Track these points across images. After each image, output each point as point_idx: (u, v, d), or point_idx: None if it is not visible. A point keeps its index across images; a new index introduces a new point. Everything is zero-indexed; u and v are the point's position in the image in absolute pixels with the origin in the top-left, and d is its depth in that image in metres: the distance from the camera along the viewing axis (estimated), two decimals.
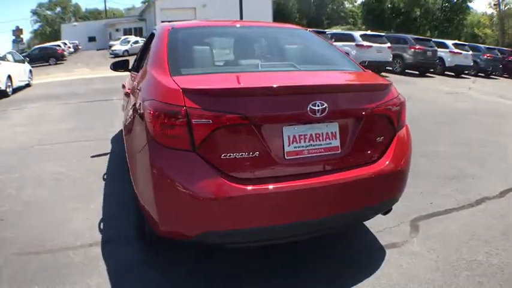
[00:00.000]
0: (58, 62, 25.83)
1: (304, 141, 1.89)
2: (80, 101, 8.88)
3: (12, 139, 5.44)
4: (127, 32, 41.58)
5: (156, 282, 2.20)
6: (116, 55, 27.66)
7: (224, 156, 1.77)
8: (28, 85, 12.77)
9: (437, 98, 9.58)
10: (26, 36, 57.97)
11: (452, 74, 16.95)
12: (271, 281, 2.16)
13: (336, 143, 1.96)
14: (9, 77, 10.68)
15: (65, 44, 34.02)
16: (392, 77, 13.74)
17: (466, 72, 17.40)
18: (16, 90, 11.39)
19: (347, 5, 53.50)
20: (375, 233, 2.65)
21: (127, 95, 3.14)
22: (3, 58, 11.55)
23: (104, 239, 2.65)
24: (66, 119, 6.92)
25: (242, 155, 1.78)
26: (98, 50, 33.16)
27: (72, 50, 34.73)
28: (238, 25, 3.07)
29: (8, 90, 10.50)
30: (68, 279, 2.19)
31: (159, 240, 2.11)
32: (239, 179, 1.78)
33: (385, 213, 2.34)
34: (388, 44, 14.28)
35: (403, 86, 11.40)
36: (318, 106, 1.85)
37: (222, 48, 2.59)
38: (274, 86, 1.86)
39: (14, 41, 42.53)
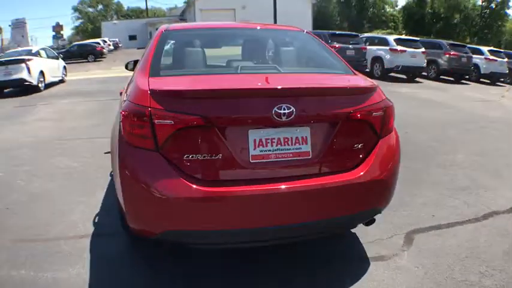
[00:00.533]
0: (97, 59, 25.80)
1: (272, 145, 1.83)
2: (111, 99, 8.99)
3: (35, 133, 5.75)
4: None
5: (135, 276, 2.24)
6: None
7: (187, 157, 1.77)
8: (62, 81, 13.24)
9: (468, 105, 9.05)
10: (67, 32, 60.07)
11: (488, 81, 16.05)
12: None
13: (307, 148, 1.88)
14: (41, 72, 11.12)
15: (105, 41, 34.50)
16: (425, 83, 13.27)
17: (502, 80, 16.45)
18: (49, 85, 11.82)
19: (388, 9, 52.23)
20: (364, 244, 2.53)
21: (121, 95, 3.24)
22: (36, 54, 12.03)
23: (96, 232, 2.74)
24: (93, 115, 7.18)
25: (205, 156, 1.77)
26: (138, 48, 34.19)
27: (112, 47, 35.30)
28: (235, 27, 3.06)
29: (40, 85, 10.98)
30: (52, 267, 2.29)
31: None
32: (201, 180, 1.77)
33: (367, 224, 2.23)
34: (422, 49, 13.73)
35: (436, 92, 10.95)
36: (284, 110, 1.78)
37: (210, 50, 2.58)
38: (237, 88, 1.84)
39: (54, 37, 44.14)
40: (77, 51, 26.47)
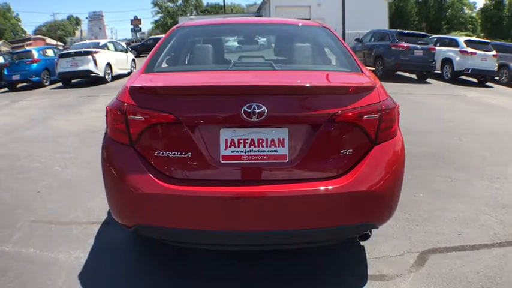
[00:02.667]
0: None
1: (244, 146, 1.73)
2: None
3: (88, 123, 6.23)
4: None
5: (130, 265, 2.33)
6: None
7: (158, 154, 1.76)
8: (130, 74, 13.91)
9: None
10: (147, 26, 62.60)
11: None
12: None
13: (283, 151, 1.74)
14: (108, 64, 11.95)
15: None
16: (496, 89, 11.97)
17: None
18: (116, 78, 12.62)
19: (466, 10, 48.29)
20: (370, 259, 2.31)
21: None
22: (104, 47, 12.91)
23: (106, 220, 2.86)
24: None
25: (175, 154, 1.74)
26: None
27: None
28: (248, 23, 2.99)
29: (106, 77, 11.84)
30: (57, 248, 2.46)
31: None
32: (170, 178, 1.75)
33: (361, 239, 2.00)
34: (493, 52, 12.42)
35: (503, 99, 9.74)
36: (254, 109, 1.67)
37: (215, 46, 2.55)
38: (205, 85, 1.77)
39: (132, 30, 46.55)
40: (152, 45, 28.01)
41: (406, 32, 13.48)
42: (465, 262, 2.27)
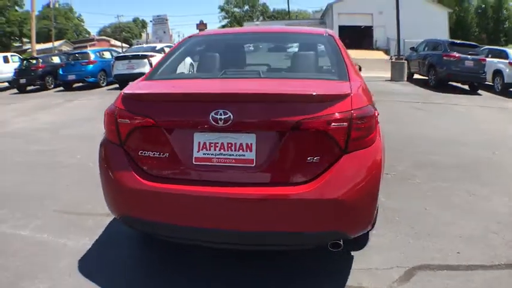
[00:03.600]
0: None
1: (215, 149, 1.85)
2: None
3: None
4: None
5: (130, 253, 2.55)
6: None
7: (140, 153, 1.97)
8: None
9: None
10: None
11: None
12: None
13: (251, 155, 1.82)
14: None
15: None
16: None
17: None
18: None
19: None
20: (355, 270, 2.30)
21: None
22: (161, 51, 13.40)
23: None
24: None
25: (155, 154, 1.93)
26: None
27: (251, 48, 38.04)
28: (256, 32, 3.17)
29: None
30: (68, 235, 2.76)
31: None
32: (149, 175, 1.94)
33: (333, 247, 1.96)
34: None
35: None
36: (221, 115, 1.79)
37: (215, 55, 2.73)
38: (177, 92, 1.93)
39: None
40: None
41: (458, 42, 13.10)
42: (454, 282, 2.17)
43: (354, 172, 1.82)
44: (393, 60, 14.84)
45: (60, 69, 13.77)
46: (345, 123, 1.79)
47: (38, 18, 57.01)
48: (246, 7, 64.83)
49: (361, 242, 2.51)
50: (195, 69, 2.68)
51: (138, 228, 2.18)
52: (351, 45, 33.68)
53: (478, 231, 2.75)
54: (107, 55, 14.92)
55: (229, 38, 3.14)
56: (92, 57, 13.94)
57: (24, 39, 52.34)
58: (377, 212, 2.44)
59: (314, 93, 1.85)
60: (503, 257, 2.40)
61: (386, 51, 29.06)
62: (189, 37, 2.97)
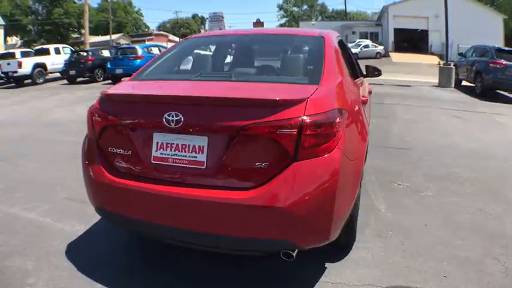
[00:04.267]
0: None
1: (171, 150, 1.91)
2: None
3: None
4: (363, 35, 41.81)
5: (119, 239, 2.67)
6: None
7: (110, 149, 2.10)
8: None
9: None
10: None
11: None
12: None
13: (202, 158, 1.85)
14: None
15: None
16: None
17: None
18: None
19: None
20: (323, 282, 2.22)
21: None
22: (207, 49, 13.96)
23: None
24: None
25: (120, 151, 2.05)
26: None
27: None
28: (247, 34, 3.21)
29: None
30: (68, 221, 2.97)
31: None
32: (116, 170, 2.06)
33: (285, 257, 1.91)
34: None
35: None
36: (172, 117, 1.84)
37: (200, 57, 2.80)
38: (135, 94, 2.03)
39: None
40: None
41: (506, 49, 12.23)
42: None
43: (303, 181, 1.75)
44: (441, 65, 14.03)
45: (108, 63, 14.55)
46: (294, 130, 1.73)
47: (97, 11, 59.99)
48: (305, 6, 64.52)
49: (340, 254, 2.44)
50: (171, 70, 2.75)
51: (106, 219, 2.30)
52: (407, 49, 32.50)
53: (476, 253, 2.53)
54: (155, 51, 15.30)
55: (221, 40, 3.20)
56: (140, 52, 14.49)
57: (83, 31, 55.47)
58: (352, 223, 2.37)
59: (263, 98, 1.82)
60: (497, 285, 2.19)
61: (441, 56, 27.65)
62: (185, 39, 3.09)
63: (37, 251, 2.52)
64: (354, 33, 43.96)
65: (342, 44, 2.95)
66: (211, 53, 2.93)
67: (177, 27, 61.40)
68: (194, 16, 76.64)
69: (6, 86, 15.87)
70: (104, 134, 2.11)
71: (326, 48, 2.48)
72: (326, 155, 1.79)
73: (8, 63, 15.31)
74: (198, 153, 1.86)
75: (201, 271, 2.33)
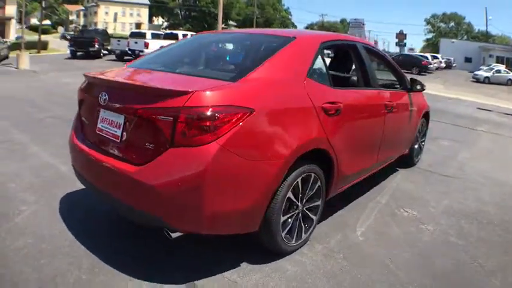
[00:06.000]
0: (421, 73, 26.86)
1: (105, 123, 2.26)
2: None
3: None
4: (499, 59, 39.00)
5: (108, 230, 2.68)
6: (478, 79, 26.88)
7: (82, 118, 2.57)
8: None
9: None
10: (418, 43, 63.30)
11: None
12: None
13: (118, 133, 2.15)
14: None
15: (436, 57, 34.27)
16: None
17: None
18: None
19: None
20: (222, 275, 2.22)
21: None
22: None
23: None
24: None
25: (84, 120, 2.53)
26: (470, 72, 32.20)
27: (442, 65, 34.73)
28: (235, 32, 3.58)
29: None
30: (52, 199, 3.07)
31: None
32: (80, 136, 2.50)
33: (168, 235, 2.06)
34: None
35: None
36: (103, 96, 2.21)
37: (180, 51, 3.08)
38: (89, 76, 2.43)
39: (396, 44, 47.62)
40: (402, 61, 27.73)
41: None
42: None
43: (175, 166, 1.89)
44: None
45: (227, 56, 15.78)
46: (170, 118, 1.89)
47: (246, 5, 64.14)
48: (452, 23, 63.10)
49: (267, 257, 2.40)
50: (151, 60, 3.05)
51: (76, 175, 2.65)
52: None
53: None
54: None
55: (210, 38, 3.42)
56: None
57: (230, 22, 59.85)
58: (271, 226, 2.24)
59: (156, 87, 2.10)
60: None
61: None
62: (184, 36, 3.41)
63: (44, 194, 3.13)
64: (490, 56, 40.42)
65: (324, 50, 2.84)
66: (183, 50, 3.16)
67: (324, 30, 63.49)
68: (342, 21, 77.03)
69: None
70: (81, 106, 2.58)
71: (284, 49, 2.45)
72: (200, 146, 1.88)
73: (136, 42, 17.74)
74: (117, 128, 2.17)
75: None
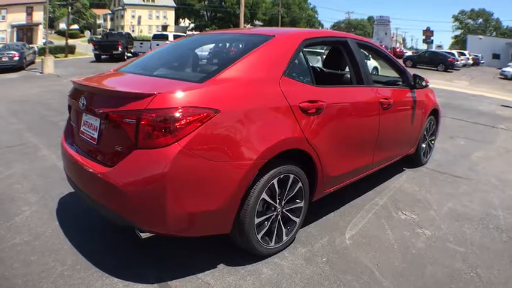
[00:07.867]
0: (447, 70, 25.86)
1: (86, 126, 2.32)
2: None
3: None
4: None
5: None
6: (505, 76, 26.15)
7: (70, 122, 2.65)
8: None
9: None
10: (446, 40, 62.75)
11: None
12: None
13: (95, 135, 2.20)
14: None
15: (463, 54, 33.41)
16: None
17: None
18: None
19: None
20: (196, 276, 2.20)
21: None
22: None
23: None
24: None
25: (71, 124, 2.61)
26: (498, 68, 31.20)
27: (470, 62, 33.80)
28: (220, 33, 3.51)
29: None
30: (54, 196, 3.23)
31: None
32: (68, 139, 2.59)
33: (138, 237, 2.04)
34: None
35: None
36: (82, 101, 2.29)
37: (158, 55, 3.08)
38: (75, 82, 2.47)
39: (423, 41, 46.64)
40: (428, 58, 27.44)
41: None
42: None
43: (138, 167, 1.90)
44: None
45: None
46: (133, 120, 1.90)
47: (272, 4, 63.73)
48: (480, 20, 61.57)
49: (243, 259, 2.37)
50: (136, 64, 3.02)
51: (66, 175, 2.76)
52: None
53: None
54: None
55: (196, 39, 3.43)
56: None
57: (256, 22, 59.68)
58: (244, 227, 2.20)
59: (123, 91, 2.17)
60: None
61: None
62: (177, 38, 3.40)
63: (44, 190, 3.23)
64: None
65: (305, 48, 2.72)
66: (166, 53, 3.12)
67: (349, 28, 62.04)
68: (369, 18, 75.98)
69: None
70: (70, 111, 2.67)
71: (260, 48, 2.39)
72: (162, 148, 1.87)
73: (157, 44, 17.88)
74: (94, 131, 2.22)
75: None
